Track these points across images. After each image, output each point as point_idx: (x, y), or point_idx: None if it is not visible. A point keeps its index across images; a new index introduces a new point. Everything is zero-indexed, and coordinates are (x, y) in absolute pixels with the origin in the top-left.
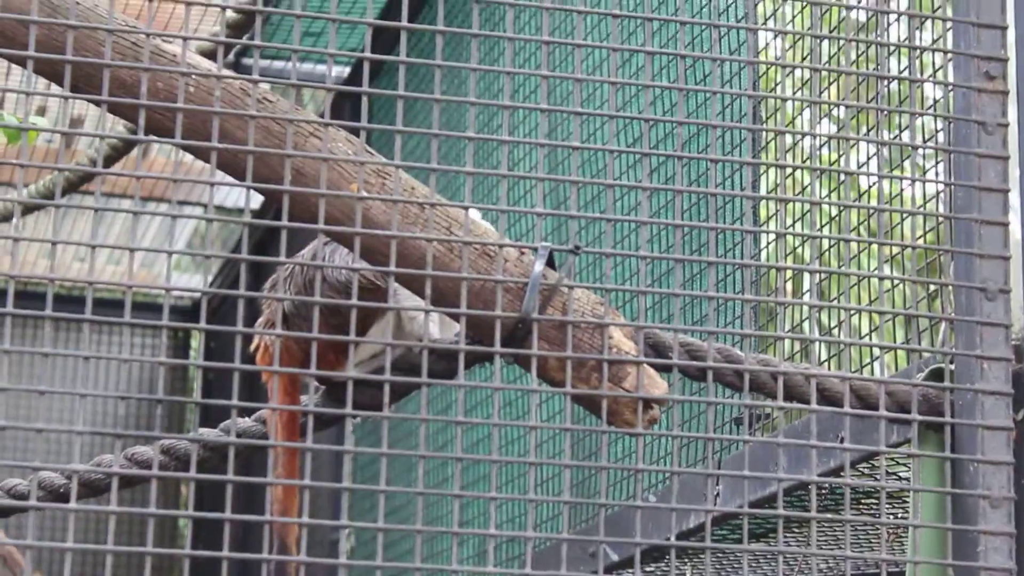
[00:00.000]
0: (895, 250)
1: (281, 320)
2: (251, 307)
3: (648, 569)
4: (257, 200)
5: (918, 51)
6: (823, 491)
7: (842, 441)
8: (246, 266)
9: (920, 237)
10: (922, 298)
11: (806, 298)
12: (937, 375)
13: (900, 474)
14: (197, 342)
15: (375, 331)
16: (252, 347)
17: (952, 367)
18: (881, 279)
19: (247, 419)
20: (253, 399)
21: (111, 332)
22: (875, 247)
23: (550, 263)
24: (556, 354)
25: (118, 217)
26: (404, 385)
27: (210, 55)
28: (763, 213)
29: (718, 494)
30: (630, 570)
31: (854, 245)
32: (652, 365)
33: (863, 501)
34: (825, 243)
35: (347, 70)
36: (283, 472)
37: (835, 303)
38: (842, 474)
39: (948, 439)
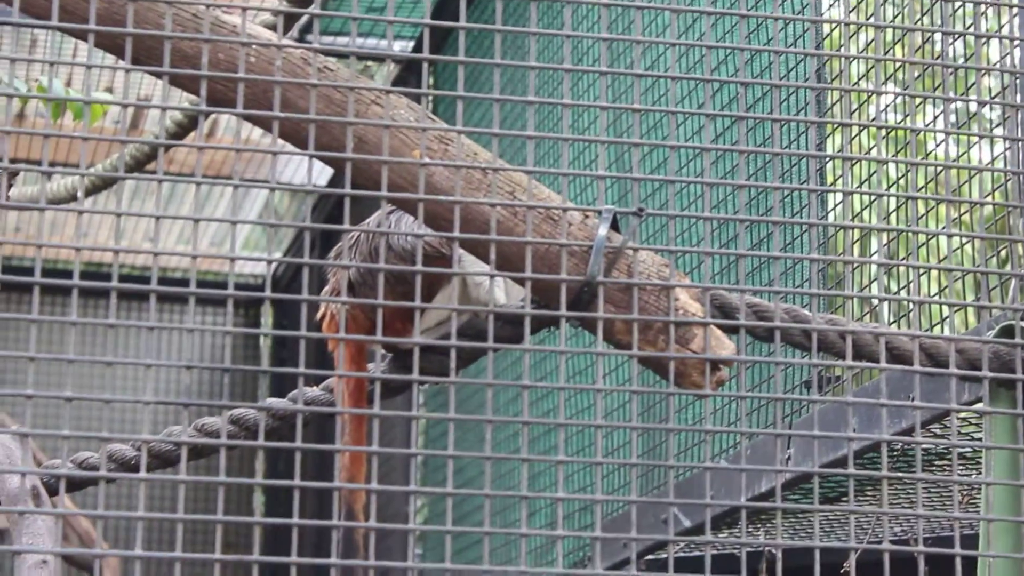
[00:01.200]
0: (963, 211)
1: (347, 289)
2: (318, 278)
3: (721, 535)
4: (325, 176)
5: (983, 7)
6: (894, 453)
7: (912, 400)
8: (311, 235)
9: (988, 195)
10: (991, 256)
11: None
12: (1008, 332)
13: (972, 435)
14: (267, 319)
15: (441, 298)
16: (318, 316)
17: (1023, 324)
18: (949, 236)
19: (315, 388)
20: (322, 369)
21: (177, 312)
22: (942, 209)
23: (614, 227)
24: (622, 316)
25: (186, 199)
26: (470, 351)
27: (272, 28)
28: (829, 176)
29: (789, 457)
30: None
31: (921, 206)
32: (719, 326)
33: (935, 463)
34: (892, 204)
35: (411, 44)
36: (350, 440)
37: (903, 263)
38: (913, 434)
39: (1020, 396)
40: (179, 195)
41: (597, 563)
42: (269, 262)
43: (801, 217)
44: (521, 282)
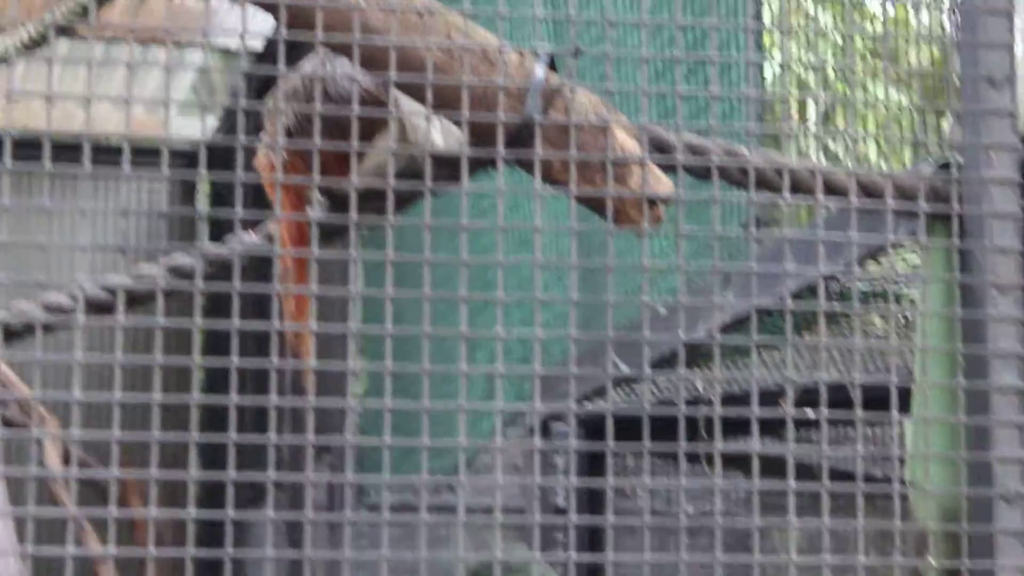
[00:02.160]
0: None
1: (285, 136)
2: (254, 129)
3: (662, 380)
4: (260, 41)
5: None
6: (832, 296)
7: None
8: (247, 90)
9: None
10: (929, 115)
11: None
12: (944, 166)
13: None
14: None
15: (379, 143)
16: (256, 163)
17: (959, 158)
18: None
19: (253, 235)
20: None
21: (113, 180)
22: (881, 75)
23: (551, 67)
24: (560, 155)
25: (120, 58)
26: (408, 194)
27: None
28: (767, 39)
29: (724, 301)
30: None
31: (860, 71)
32: (656, 163)
33: (871, 302)
34: (830, 71)
35: None
36: (294, 283)
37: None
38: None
39: (956, 228)
40: (112, 59)
41: (536, 401)
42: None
43: (739, 66)
44: (458, 124)
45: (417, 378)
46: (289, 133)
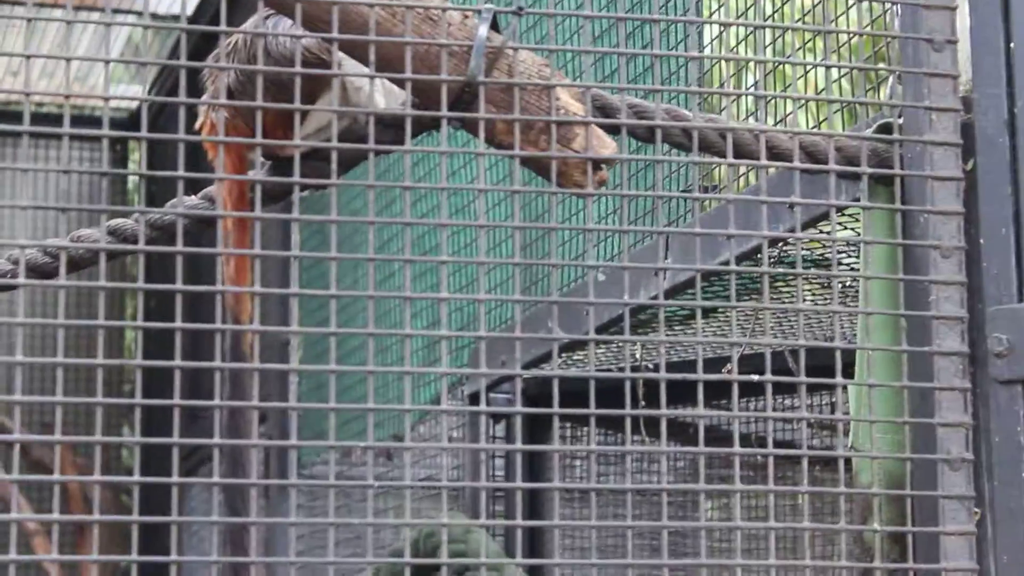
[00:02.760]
0: (842, 41)
1: (226, 97)
2: (191, 87)
3: (599, 351)
4: (192, 5)
5: None
6: (772, 261)
7: (792, 204)
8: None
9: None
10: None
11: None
12: (885, 129)
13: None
14: (137, 154)
15: (321, 104)
16: (197, 125)
17: (900, 121)
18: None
19: (193, 197)
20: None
21: (48, 147)
22: (819, 44)
23: (494, 26)
24: (504, 116)
25: (48, 30)
26: (351, 156)
27: None
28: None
29: (665, 269)
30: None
31: (797, 40)
32: (600, 126)
33: (816, 266)
34: (768, 37)
35: None
36: (234, 246)
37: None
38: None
39: (898, 191)
40: (41, 25)
41: (483, 363)
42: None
43: (678, 28)
44: (401, 84)
45: (354, 346)
46: (231, 93)
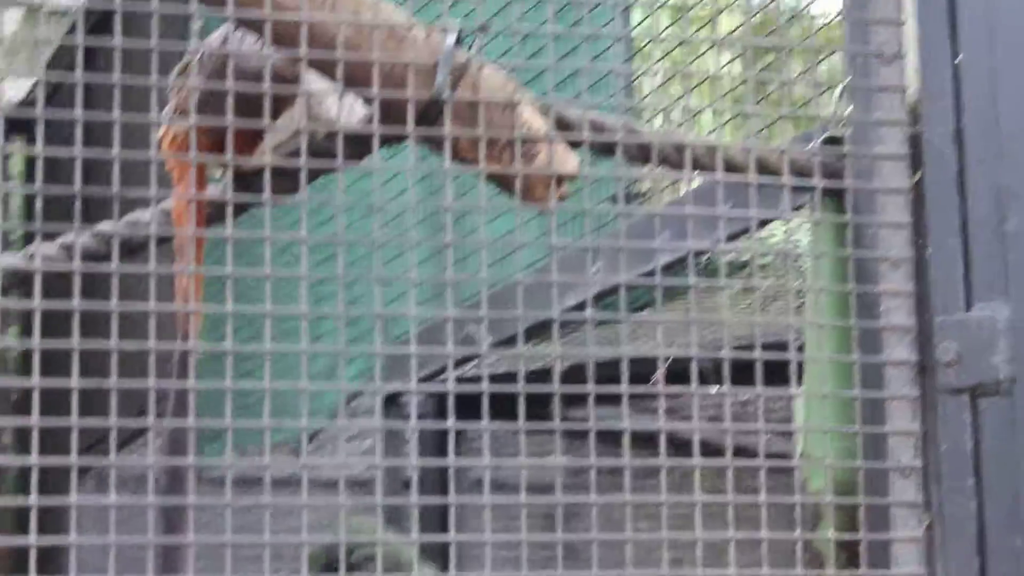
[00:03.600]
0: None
1: (188, 110)
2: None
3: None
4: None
5: None
6: (699, 271)
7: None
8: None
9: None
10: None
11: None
12: (833, 141)
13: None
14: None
15: (284, 119)
16: (159, 135)
17: (847, 132)
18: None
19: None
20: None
21: None
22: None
23: (458, 43)
24: (470, 133)
25: None
26: (315, 170)
27: None
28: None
29: (597, 270)
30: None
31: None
32: (563, 140)
33: (739, 275)
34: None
35: None
36: (188, 262)
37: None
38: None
39: (849, 204)
40: None
41: (413, 375)
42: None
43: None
44: (367, 101)
45: (254, 359)
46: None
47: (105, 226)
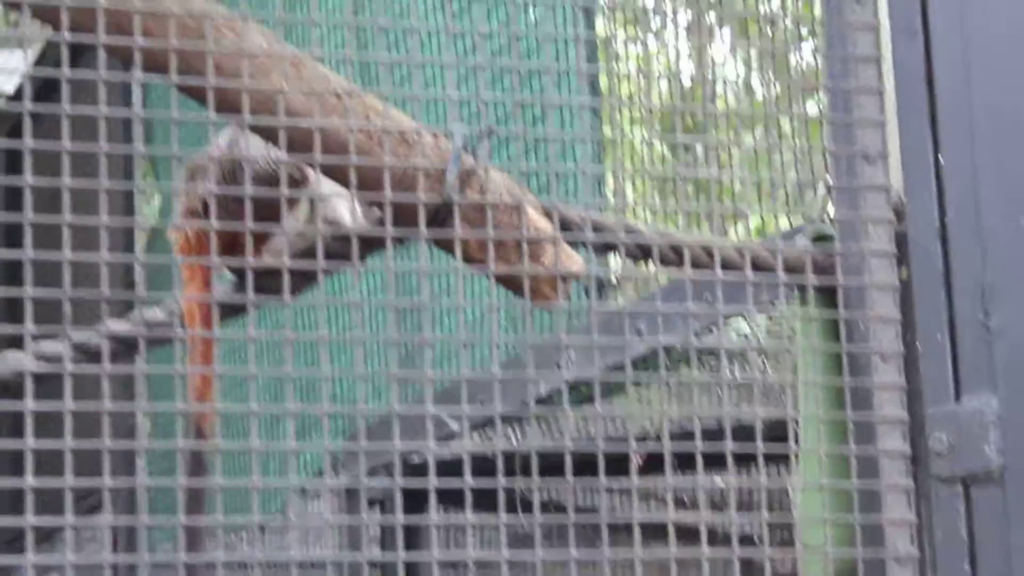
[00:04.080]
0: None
1: (201, 207)
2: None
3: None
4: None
5: None
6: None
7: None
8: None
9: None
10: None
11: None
12: (820, 238)
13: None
14: None
15: (290, 219)
16: (171, 234)
17: (833, 230)
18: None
19: (157, 311)
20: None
21: None
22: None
23: (465, 148)
24: (478, 234)
25: None
26: (312, 273)
27: None
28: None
29: (571, 360)
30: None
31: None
32: (567, 241)
33: (705, 361)
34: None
35: None
36: (199, 362)
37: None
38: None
39: (842, 299)
40: None
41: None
42: None
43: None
44: (377, 204)
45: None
46: (205, 205)
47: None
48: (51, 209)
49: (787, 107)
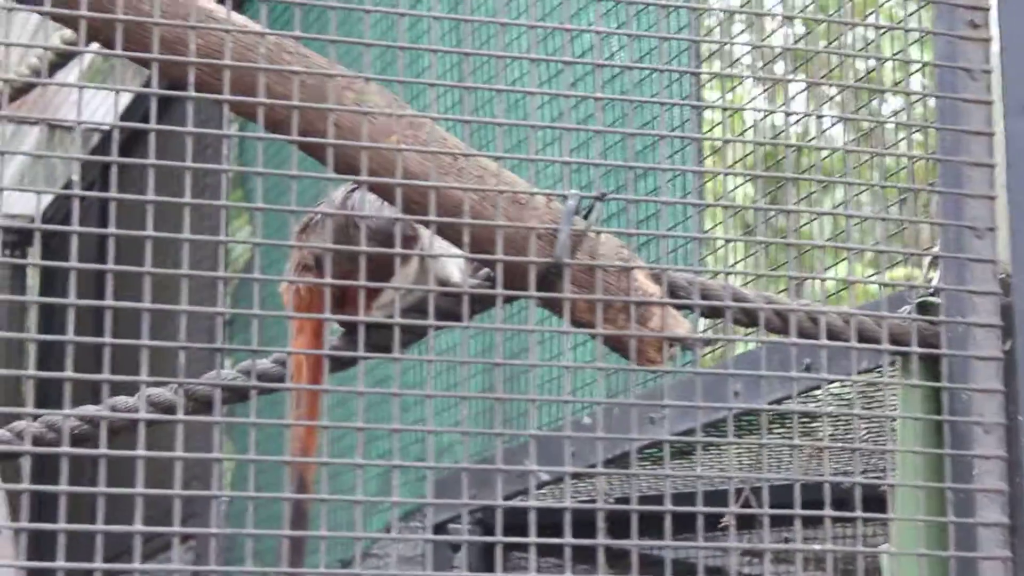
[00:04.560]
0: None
1: (315, 263)
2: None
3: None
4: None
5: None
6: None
7: (807, 369)
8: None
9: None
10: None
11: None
12: (924, 307)
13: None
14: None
15: (400, 275)
16: (281, 289)
17: (938, 300)
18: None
19: (266, 361)
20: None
21: None
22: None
23: (577, 212)
24: (587, 296)
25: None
26: (420, 327)
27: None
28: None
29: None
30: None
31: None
32: (674, 306)
33: (809, 425)
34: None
35: None
36: (305, 413)
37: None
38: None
39: (945, 370)
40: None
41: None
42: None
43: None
44: (490, 264)
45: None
46: (318, 260)
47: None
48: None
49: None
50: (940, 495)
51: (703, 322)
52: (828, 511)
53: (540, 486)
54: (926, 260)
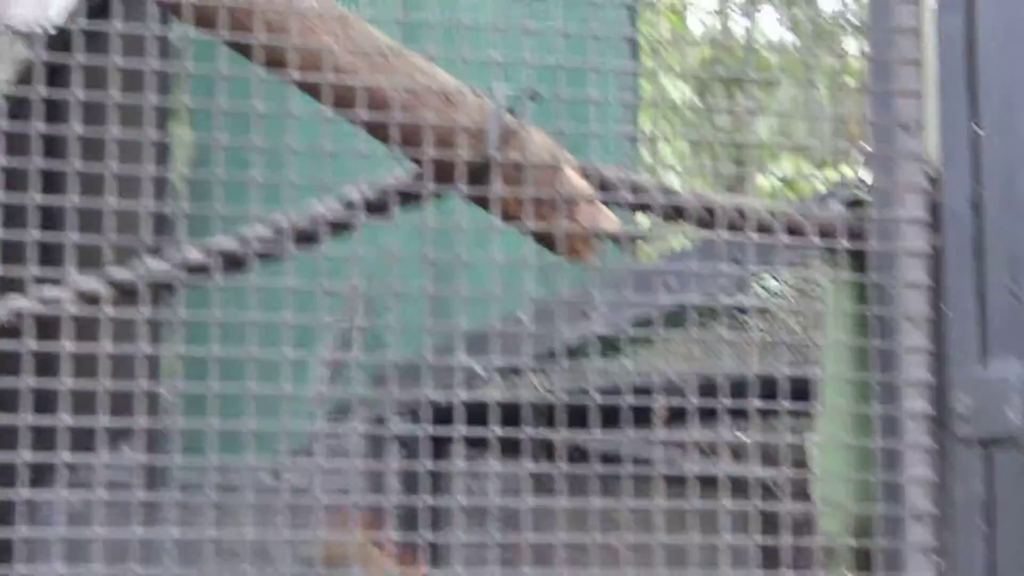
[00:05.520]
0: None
1: None
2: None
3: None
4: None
5: None
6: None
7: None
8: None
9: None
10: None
11: None
12: (855, 204)
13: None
14: None
15: None
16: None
17: (869, 197)
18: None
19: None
20: None
21: None
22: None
23: (508, 109)
24: (517, 192)
25: None
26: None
27: None
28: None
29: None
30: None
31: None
32: (603, 201)
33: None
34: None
35: None
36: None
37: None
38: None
39: (873, 264)
40: None
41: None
42: None
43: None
44: (418, 161)
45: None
46: None
47: None
48: (92, 157)
49: (826, 69)
50: (866, 387)
51: (644, 220)
52: (754, 402)
53: (475, 384)
54: (859, 159)
